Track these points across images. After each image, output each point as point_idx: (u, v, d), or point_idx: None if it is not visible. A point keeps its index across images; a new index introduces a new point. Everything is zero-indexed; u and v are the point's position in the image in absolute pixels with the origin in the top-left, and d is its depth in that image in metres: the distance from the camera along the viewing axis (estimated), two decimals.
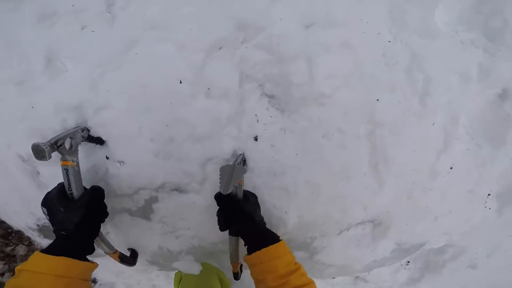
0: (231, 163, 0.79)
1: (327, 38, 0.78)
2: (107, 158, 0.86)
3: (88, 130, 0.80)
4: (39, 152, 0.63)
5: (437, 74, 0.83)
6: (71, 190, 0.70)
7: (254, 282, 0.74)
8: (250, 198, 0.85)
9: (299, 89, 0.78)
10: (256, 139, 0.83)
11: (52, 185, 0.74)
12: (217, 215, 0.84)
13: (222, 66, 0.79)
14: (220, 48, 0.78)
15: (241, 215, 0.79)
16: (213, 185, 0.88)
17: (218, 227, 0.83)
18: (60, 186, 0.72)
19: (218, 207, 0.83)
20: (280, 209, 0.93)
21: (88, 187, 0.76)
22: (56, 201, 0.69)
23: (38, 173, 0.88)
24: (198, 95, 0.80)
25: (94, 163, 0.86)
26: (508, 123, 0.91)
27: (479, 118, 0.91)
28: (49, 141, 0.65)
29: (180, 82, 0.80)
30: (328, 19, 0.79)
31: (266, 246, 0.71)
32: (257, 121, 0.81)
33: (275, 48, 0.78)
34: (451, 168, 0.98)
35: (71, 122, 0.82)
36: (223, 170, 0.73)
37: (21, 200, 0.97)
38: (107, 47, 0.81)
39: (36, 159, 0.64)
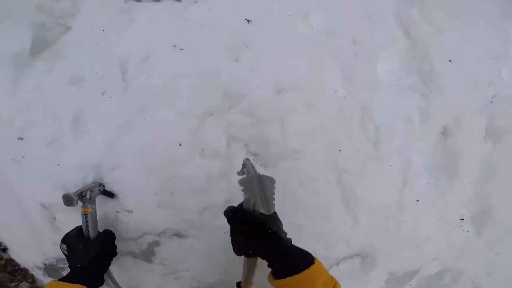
0: (248, 174, 0.69)
1: (294, 100, 0.96)
2: (117, 212, 1.00)
3: (104, 186, 0.97)
4: (69, 200, 0.82)
5: (385, 122, 0.99)
6: (88, 232, 0.85)
7: None
8: (271, 216, 0.67)
9: (276, 146, 0.95)
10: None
11: (65, 229, 0.89)
12: (231, 236, 0.69)
13: (213, 130, 0.96)
14: (211, 114, 0.96)
15: (265, 235, 0.64)
16: (210, 231, 1.00)
17: (215, 267, 0.90)
18: (79, 228, 0.87)
19: (232, 226, 0.69)
20: None
21: (101, 230, 0.90)
22: (76, 239, 0.83)
23: (55, 218, 1.01)
24: (194, 155, 0.96)
25: (106, 212, 1.00)
26: (454, 156, 1.07)
27: (431, 155, 1.08)
28: (76, 192, 0.84)
29: (180, 145, 0.97)
30: (294, 84, 0.98)
31: (300, 272, 0.59)
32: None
33: (254, 113, 0.96)
34: (417, 200, 1.11)
35: (90, 178, 0.98)
36: (247, 184, 0.63)
37: (36, 241, 1.07)
38: (121, 112, 0.98)
39: (65, 206, 0.83)
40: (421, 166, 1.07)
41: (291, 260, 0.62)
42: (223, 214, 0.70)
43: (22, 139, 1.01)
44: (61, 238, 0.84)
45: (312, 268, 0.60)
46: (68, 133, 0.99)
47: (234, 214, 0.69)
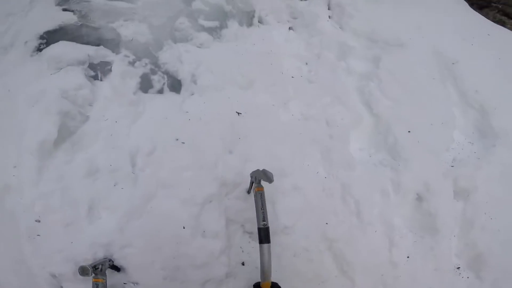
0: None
1: (283, 185, 1.10)
2: (124, 283, 1.07)
3: (113, 261, 1.05)
4: (85, 271, 0.92)
5: (363, 195, 1.12)
6: None
7: None
8: None
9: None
10: (243, 264, 1.07)
11: None
12: None
13: (213, 214, 1.08)
14: (211, 201, 1.09)
15: None
16: None
17: None
18: None
19: None
20: None
21: None
22: None
23: (61, 287, 1.06)
24: (197, 236, 1.07)
25: (112, 283, 1.05)
26: (431, 216, 1.17)
27: (411, 218, 1.18)
28: (90, 265, 0.93)
29: (184, 228, 1.08)
30: (282, 171, 1.12)
31: None
32: (242, 251, 1.07)
33: (248, 198, 1.09)
34: (408, 257, 1.18)
35: (100, 255, 1.05)
36: (254, 172, 0.93)
37: None
38: (131, 201, 1.09)
39: (79, 276, 0.92)
40: (404, 228, 1.16)
41: None
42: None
43: (39, 221, 1.09)
44: None
45: None
46: (83, 218, 1.09)
47: None
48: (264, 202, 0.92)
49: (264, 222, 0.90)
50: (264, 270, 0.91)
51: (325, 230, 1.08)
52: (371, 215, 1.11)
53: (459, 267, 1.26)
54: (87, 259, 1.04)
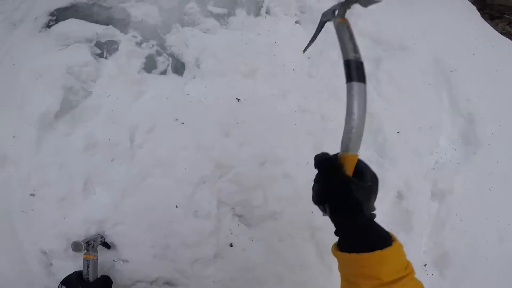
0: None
1: (274, 172, 1.10)
2: (114, 261, 1.06)
3: (104, 238, 1.04)
4: (78, 246, 0.91)
5: None
6: (88, 276, 0.91)
7: (341, 278, 0.54)
8: (368, 178, 0.55)
9: (259, 209, 1.07)
10: (231, 245, 1.08)
11: (60, 274, 0.95)
12: (314, 183, 0.57)
13: (205, 195, 1.07)
14: (204, 182, 1.09)
15: (347, 203, 0.51)
16: (199, 280, 1.07)
17: None
18: (79, 272, 0.92)
19: (319, 175, 0.56)
20: None
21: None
22: (76, 282, 0.88)
23: (51, 264, 1.04)
24: (189, 215, 1.06)
25: (102, 260, 1.03)
26: (408, 214, 1.20)
27: (389, 213, 1.21)
28: (84, 241, 0.92)
29: (176, 207, 1.07)
30: (275, 157, 1.12)
31: (370, 251, 0.47)
32: (231, 233, 1.08)
33: (241, 181, 1.09)
34: None
35: (92, 231, 1.03)
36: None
37: (27, 283, 1.07)
38: (127, 178, 1.07)
39: (73, 251, 0.92)
40: (382, 223, 1.19)
41: (363, 236, 0.51)
42: (313, 159, 0.57)
43: (34, 195, 1.06)
44: (57, 283, 0.89)
45: (385, 250, 0.48)
46: (78, 193, 1.06)
47: (326, 165, 0.55)
48: (353, 33, 0.54)
49: (357, 55, 0.52)
50: (354, 136, 0.52)
51: (310, 219, 1.09)
52: None
53: (426, 264, 1.31)
54: (79, 236, 1.02)
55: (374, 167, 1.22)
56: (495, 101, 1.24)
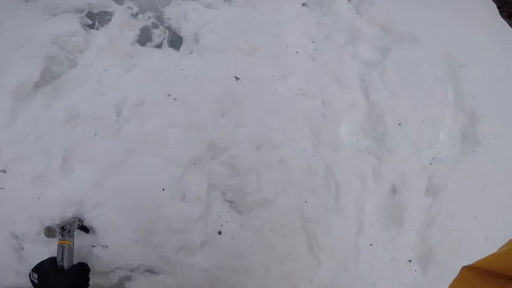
0: None
1: (270, 157, 1.00)
2: (92, 246, 0.94)
3: (82, 221, 0.92)
4: (51, 232, 0.79)
5: (344, 179, 1.04)
6: (63, 263, 0.80)
7: None
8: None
9: (251, 196, 0.97)
10: (220, 233, 0.98)
11: (32, 259, 0.85)
12: None
13: (195, 178, 0.96)
14: (195, 163, 0.97)
15: None
16: (184, 268, 0.97)
17: None
18: (52, 259, 0.81)
19: None
20: (241, 285, 1.01)
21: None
22: (49, 269, 0.78)
23: (22, 248, 0.93)
24: (176, 199, 0.95)
25: (80, 245, 0.91)
26: (401, 209, 1.13)
27: (381, 207, 1.13)
28: (58, 225, 0.80)
29: (163, 189, 0.95)
30: (271, 141, 1.01)
31: None
32: (221, 220, 0.97)
33: (234, 165, 0.98)
34: (371, 244, 1.14)
35: (69, 213, 0.91)
36: None
37: None
38: (110, 154, 0.95)
39: (45, 237, 0.79)
40: (373, 216, 1.12)
41: None
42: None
43: (5, 171, 0.93)
44: (29, 270, 0.78)
45: None
46: (55, 170, 0.93)
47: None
48: None
49: None
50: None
51: (303, 208, 1.00)
52: (347, 199, 1.05)
53: (410, 260, 1.27)
54: (54, 219, 0.90)
55: (371, 158, 1.16)
56: (500, 100, 1.18)
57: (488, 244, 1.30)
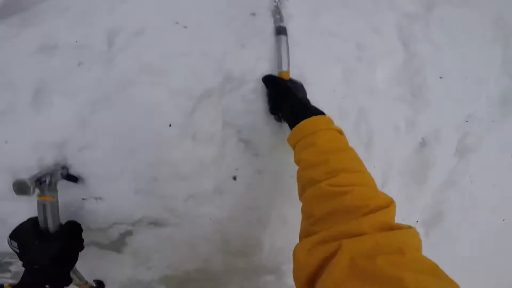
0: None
1: None
2: (83, 199, 0.75)
3: (67, 169, 0.71)
4: (23, 188, 0.56)
5: (377, 126, 0.91)
6: (47, 224, 0.61)
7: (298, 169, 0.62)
8: (297, 82, 0.79)
9: (271, 136, 0.81)
10: (235, 178, 0.83)
11: (9, 221, 0.65)
12: (268, 103, 0.79)
13: (210, 113, 0.78)
14: (209, 96, 0.78)
15: (285, 96, 0.73)
16: (193, 219, 0.83)
17: (195, 255, 0.78)
18: (33, 220, 0.62)
19: (267, 90, 0.78)
20: (255, 238, 0.90)
21: (62, 222, 0.66)
22: (30, 234, 0.59)
23: None
24: (185, 138, 0.77)
25: (67, 199, 0.73)
26: (427, 165, 1.02)
27: (406, 162, 1.01)
28: (32, 178, 0.58)
29: (170, 126, 0.76)
30: (297, 78, 0.82)
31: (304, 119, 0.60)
32: (235, 163, 0.81)
33: (254, 100, 0.80)
34: None
35: (49, 160, 0.70)
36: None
37: None
38: (100, 86, 0.72)
39: (16, 194, 0.57)
40: (397, 170, 1.01)
41: (302, 110, 0.66)
42: (261, 80, 0.80)
43: None
44: (9, 233, 0.60)
45: (318, 116, 0.62)
46: (25, 105, 0.70)
47: (270, 78, 0.78)
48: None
49: (282, 23, 0.82)
50: (283, 60, 0.79)
51: None
52: (377, 148, 0.92)
53: (417, 221, 1.19)
54: (29, 168, 0.68)
55: (406, 108, 1.01)
56: None
57: (495, 215, 1.22)
